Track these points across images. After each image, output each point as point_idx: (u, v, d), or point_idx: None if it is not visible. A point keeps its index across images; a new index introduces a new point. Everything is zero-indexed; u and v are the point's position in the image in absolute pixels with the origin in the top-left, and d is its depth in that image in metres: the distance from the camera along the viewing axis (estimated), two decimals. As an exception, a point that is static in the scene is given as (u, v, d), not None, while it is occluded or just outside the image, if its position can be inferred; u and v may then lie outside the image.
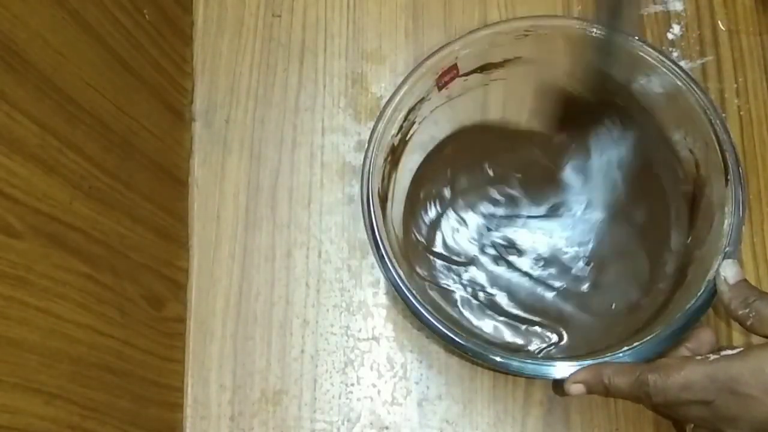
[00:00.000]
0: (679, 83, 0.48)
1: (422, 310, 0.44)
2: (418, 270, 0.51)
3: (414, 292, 0.45)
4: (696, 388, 0.39)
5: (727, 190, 0.45)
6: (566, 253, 0.51)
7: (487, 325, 0.49)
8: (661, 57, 0.48)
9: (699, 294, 0.43)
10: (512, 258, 0.51)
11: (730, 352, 0.39)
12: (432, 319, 0.44)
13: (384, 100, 0.51)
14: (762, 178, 0.53)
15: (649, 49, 0.48)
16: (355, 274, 0.53)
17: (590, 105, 0.51)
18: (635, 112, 0.51)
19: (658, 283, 0.49)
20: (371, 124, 0.50)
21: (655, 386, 0.40)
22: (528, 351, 0.49)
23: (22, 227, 0.35)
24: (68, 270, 0.39)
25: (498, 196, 0.52)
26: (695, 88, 0.47)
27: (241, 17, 0.59)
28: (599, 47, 0.48)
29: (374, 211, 0.46)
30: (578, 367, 0.43)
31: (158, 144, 0.51)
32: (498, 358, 0.44)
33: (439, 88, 0.51)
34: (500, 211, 0.52)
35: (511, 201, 0.52)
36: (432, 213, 0.52)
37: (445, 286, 0.50)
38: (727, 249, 0.44)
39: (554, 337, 0.49)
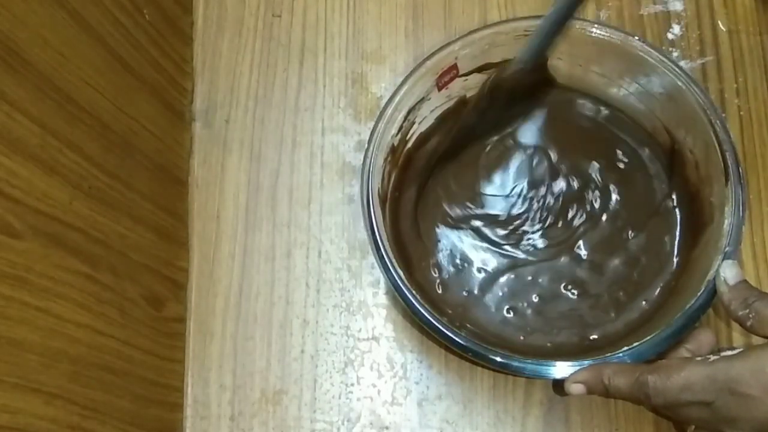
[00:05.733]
0: (679, 83, 0.48)
1: (422, 310, 0.44)
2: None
3: (414, 292, 0.45)
4: (696, 389, 0.39)
5: (727, 190, 0.45)
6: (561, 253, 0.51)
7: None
8: (661, 57, 0.48)
9: (699, 294, 0.43)
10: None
11: (729, 352, 0.39)
12: (432, 319, 0.44)
13: (384, 100, 0.51)
14: (762, 178, 0.53)
15: (649, 49, 0.48)
16: (355, 274, 0.53)
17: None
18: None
19: (659, 283, 0.49)
20: (371, 124, 0.50)
21: (654, 387, 0.40)
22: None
23: (22, 227, 0.35)
24: (68, 270, 0.39)
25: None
26: (695, 88, 0.47)
27: (241, 17, 0.59)
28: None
29: (374, 211, 0.46)
30: (578, 367, 0.43)
31: (158, 144, 0.51)
32: (498, 358, 0.44)
33: (439, 88, 0.51)
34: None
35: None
36: None
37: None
38: (727, 249, 0.44)
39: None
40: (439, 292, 0.50)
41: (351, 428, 0.50)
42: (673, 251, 0.50)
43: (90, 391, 0.40)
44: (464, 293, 0.50)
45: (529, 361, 0.44)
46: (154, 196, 0.50)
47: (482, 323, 0.49)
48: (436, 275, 0.51)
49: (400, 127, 0.50)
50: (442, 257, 0.51)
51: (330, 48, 0.58)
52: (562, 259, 0.51)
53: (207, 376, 0.52)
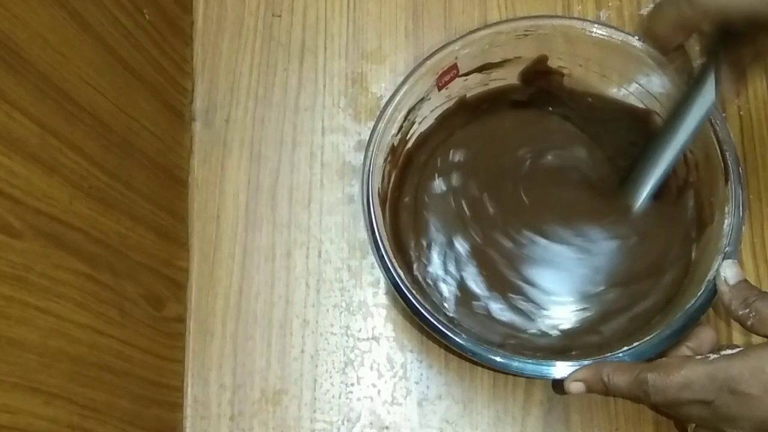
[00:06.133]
0: (679, 83, 0.48)
1: (422, 310, 0.44)
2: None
3: (414, 292, 0.45)
4: (696, 388, 0.39)
5: (727, 190, 0.45)
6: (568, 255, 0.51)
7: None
8: (661, 57, 0.48)
9: (699, 294, 0.43)
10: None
11: (730, 351, 0.39)
12: (432, 319, 0.44)
13: (384, 100, 0.51)
14: (762, 178, 0.53)
15: (649, 49, 0.48)
16: (355, 274, 0.53)
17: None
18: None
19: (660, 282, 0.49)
20: (371, 124, 0.50)
21: (654, 385, 0.40)
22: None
23: (22, 227, 0.35)
24: (68, 270, 0.39)
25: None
26: (695, 88, 0.47)
27: (241, 17, 0.59)
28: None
29: (374, 211, 0.46)
30: (578, 367, 0.43)
31: (158, 144, 0.51)
32: (498, 358, 0.44)
33: (439, 88, 0.51)
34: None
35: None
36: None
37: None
38: (727, 249, 0.44)
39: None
40: (432, 286, 0.50)
41: (351, 428, 0.50)
42: (675, 253, 0.50)
43: (90, 391, 0.40)
44: (455, 289, 0.50)
45: (529, 361, 0.44)
46: (154, 196, 0.50)
47: (471, 318, 0.49)
48: (430, 269, 0.51)
49: (400, 127, 0.50)
50: (434, 246, 0.51)
51: (330, 48, 0.58)
52: (547, 263, 0.51)
53: (207, 376, 0.52)
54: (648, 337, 0.43)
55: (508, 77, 0.53)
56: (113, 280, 0.43)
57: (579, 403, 0.50)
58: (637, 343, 0.43)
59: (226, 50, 0.58)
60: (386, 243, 0.46)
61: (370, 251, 0.47)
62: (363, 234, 0.53)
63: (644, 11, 0.57)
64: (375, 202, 0.47)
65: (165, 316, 0.50)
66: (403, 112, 0.50)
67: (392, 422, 0.50)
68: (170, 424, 0.50)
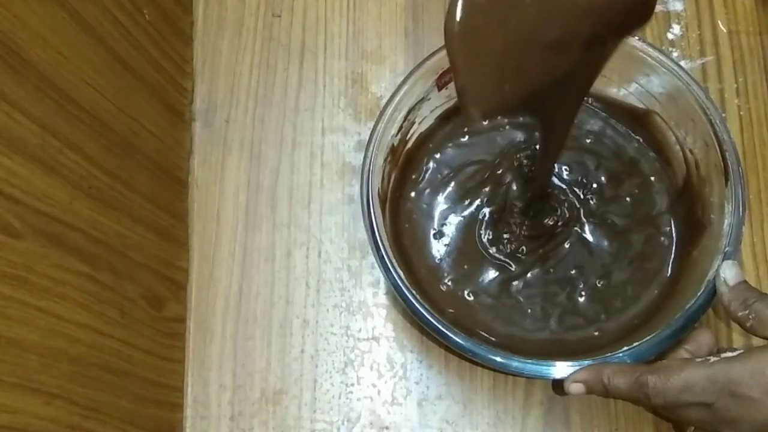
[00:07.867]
0: (679, 83, 0.48)
1: (422, 310, 0.44)
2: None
3: (414, 292, 0.45)
4: (696, 390, 0.39)
5: (727, 190, 0.45)
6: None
7: None
8: (661, 57, 0.48)
9: (699, 294, 0.43)
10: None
11: (730, 354, 0.39)
12: (432, 319, 0.44)
13: (384, 100, 0.51)
14: (762, 178, 0.53)
15: (649, 49, 0.48)
16: (355, 274, 0.53)
17: None
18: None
19: (658, 283, 0.49)
20: (371, 124, 0.50)
21: (654, 388, 0.40)
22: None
23: (22, 227, 0.35)
24: (68, 270, 0.39)
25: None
26: (695, 88, 0.47)
27: (241, 17, 0.59)
28: None
29: (374, 211, 0.46)
30: (578, 367, 0.43)
31: (158, 144, 0.51)
32: (498, 358, 0.44)
33: (439, 88, 0.51)
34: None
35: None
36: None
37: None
38: (726, 249, 0.44)
39: None
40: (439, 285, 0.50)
41: (351, 428, 0.50)
42: (673, 251, 0.50)
43: (90, 391, 0.40)
44: (451, 285, 0.50)
45: (529, 361, 0.44)
46: (154, 196, 0.50)
47: (471, 316, 0.49)
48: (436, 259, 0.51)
49: (400, 127, 0.50)
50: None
51: (330, 48, 0.58)
52: (548, 261, 0.51)
53: (207, 376, 0.52)
54: (648, 337, 0.43)
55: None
56: (113, 280, 0.43)
57: (579, 404, 0.50)
58: (637, 343, 0.43)
59: (226, 50, 0.58)
60: (386, 243, 0.46)
61: (370, 251, 0.47)
62: (363, 234, 0.53)
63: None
64: (375, 202, 0.47)
65: (165, 316, 0.50)
66: (403, 112, 0.50)
67: (392, 422, 0.50)
68: (170, 424, 0.50)
